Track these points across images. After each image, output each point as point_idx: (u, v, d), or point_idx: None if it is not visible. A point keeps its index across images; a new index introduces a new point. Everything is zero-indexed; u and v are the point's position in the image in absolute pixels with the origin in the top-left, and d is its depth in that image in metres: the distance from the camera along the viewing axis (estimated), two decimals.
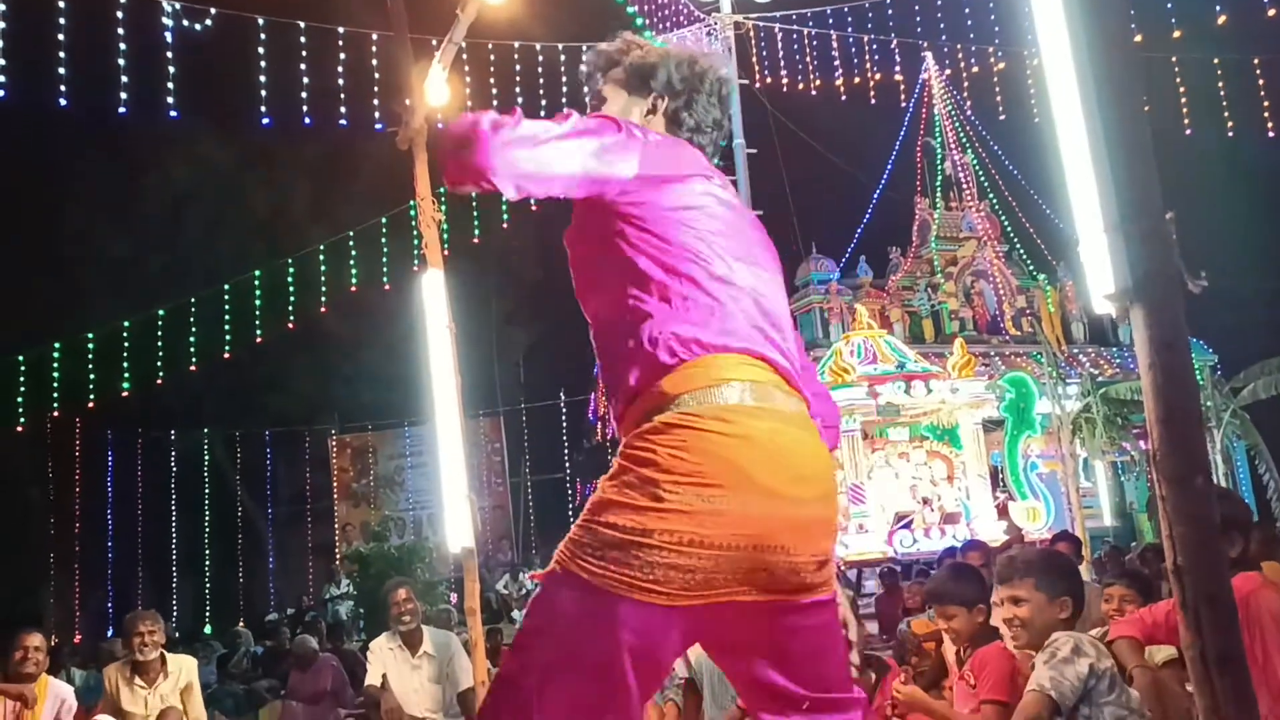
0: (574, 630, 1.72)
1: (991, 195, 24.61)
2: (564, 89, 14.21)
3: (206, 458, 24.43)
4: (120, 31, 10.25)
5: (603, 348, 1.96)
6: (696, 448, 1.74)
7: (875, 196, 24.13)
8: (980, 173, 24.54)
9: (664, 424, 1.77)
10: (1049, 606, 3.15)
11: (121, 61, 10.41)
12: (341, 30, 11.55)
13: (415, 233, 10.85)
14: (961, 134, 24.63)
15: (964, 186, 24.84)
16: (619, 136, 1.90)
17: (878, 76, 18.31)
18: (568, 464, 24.62)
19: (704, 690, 5.45)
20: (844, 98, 18.14)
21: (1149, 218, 1.58)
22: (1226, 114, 18.85)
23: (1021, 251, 24.68)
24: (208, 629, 22.44)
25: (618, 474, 1.79)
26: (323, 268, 15.11)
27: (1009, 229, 24.69)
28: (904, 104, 22.95)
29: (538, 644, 1.77)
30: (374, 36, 12.61)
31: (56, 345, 14.78)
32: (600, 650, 1.72)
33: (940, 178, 24.86)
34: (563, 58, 14.11)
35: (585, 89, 2.29)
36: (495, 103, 13.47)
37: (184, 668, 5.94)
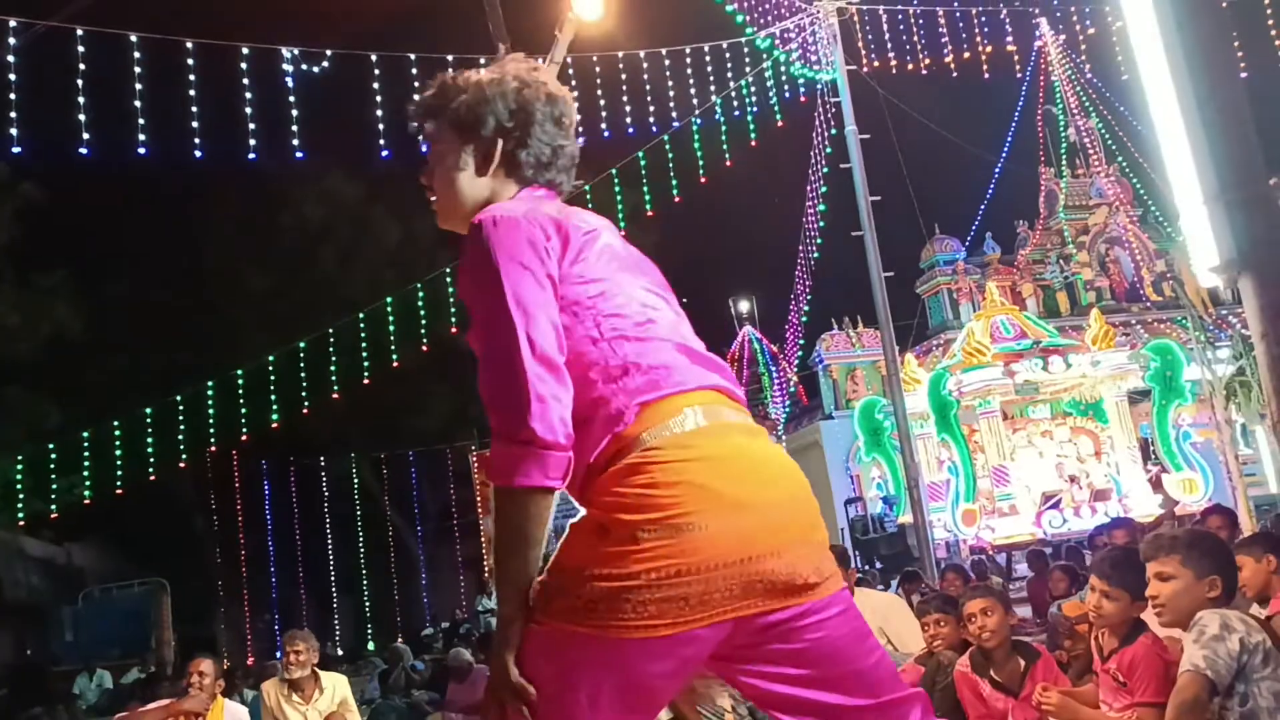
0: (565, 679, 1.75)
1: (1120, 158, 23.74)
2: (670, 92, 14.29)
3: (355, 481, 25.33)
4: (245, 82, 10.78)
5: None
6: (662, 481, 1.75)
7: (997, 171, 23.56)
8: (1106, 136, 23.69)
9: (627, 466, 1.78)
10: (1196, 585, 3.03)
11: (248, 110, 10.94)
12: (450, 59, 11.85)
13: None
14: (1084, 98, 23.82)
15: (1090, 151, 24.02)
16: (527, 282, 1.82)
17: (989, 49, 17.81)
18: None
19: None
20: (955, 74, 17.72)
21: (1251, 185, 1.55)
22: None
23: (1157, 213, 23.68)
24: (370, 645, 23.23)
25: (589, 526, 1.79)
26: (450, 290, 15.51)
27: (1141, 191, 23.75)
28: (1019, 74, 22.28)
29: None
30: (481, 61, 12.90)
31: (209, 383, 15.53)
32: (599, 693, 1.75)
33: (1064, 145, 24.11)
34: (667, 62, 14.18)
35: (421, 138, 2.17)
36: (604, 114, 13.62)
37: (337, 685, 6.16)
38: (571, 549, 1.80)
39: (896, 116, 16.39)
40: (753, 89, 15.20)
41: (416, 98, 2.14)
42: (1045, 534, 15.19)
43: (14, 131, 10.17)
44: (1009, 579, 13.73)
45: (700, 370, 1.92)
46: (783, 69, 15.38)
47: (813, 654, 1.82)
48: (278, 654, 21.34)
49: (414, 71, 12.00)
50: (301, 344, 15.10)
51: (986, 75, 18.40)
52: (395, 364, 15.67)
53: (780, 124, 15.87)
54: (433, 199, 2.12)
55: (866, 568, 16.08)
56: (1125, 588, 3.61)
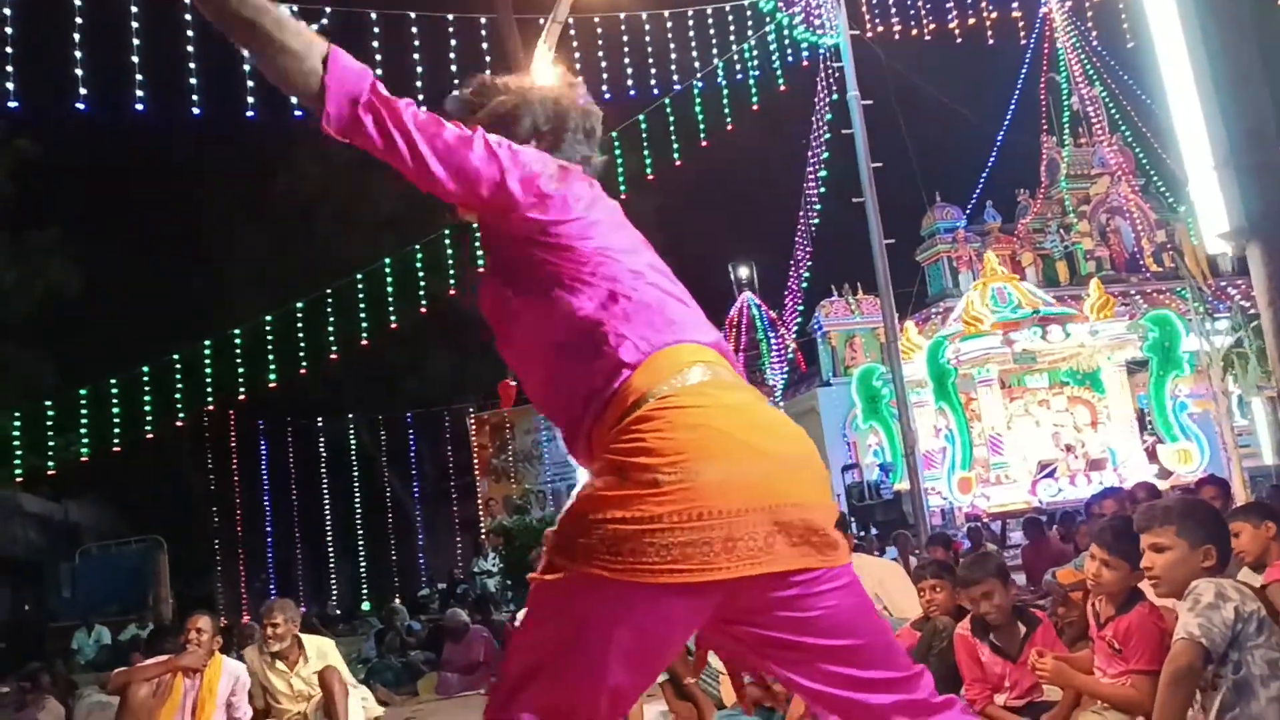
0: (586, 629, 1.75)
1: (1124, 127, 23.62)
2: (673, 57, 14.16)
3: (353, 442, 25.36)
4: None
5: (549, 377, 1.98)
6: (682, 423, 1.77)
7: (999, 139, 23.43)
8: (1110, 105, 23.56)
9: (644, 414, 1.80)
10: (1191, 555, 3.04)
11: (247, 68, 10.80)
12: (451, 17, 11.73)
13: None
14: (1088, 66, 23.65)
15: (1093, 121, 23.91)
16: (485, 143, 1.93)
17: (994, 15, 17.65)
18: None
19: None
20: (959, 41, 17.56)
21: (1262, 150, 1.53)
22: None
23: (1159, 183, 23.57)
24: (366, 605, 23.37)
25: (609, 471, 1.80)
26: (449, 251, 15.45)
27: (1144, 161, 23.65)
28: (1024, 41, 22.10)
29: (543, 642, 1.80)
30: (483, 21, 12.79)
31: (207, 343, 15.48)
32: (611, 641, 1.75)
33: (1067, 114, 23.99)
34: (669, 24, 14.05)
35: None
36: (605, 76, 13.51)
37: (320, 649, 6.16)
38: (589, 496, 1.81)
39: (899, 83, 16.28)
40: (755, 52, 15.07)
41: (454, 94, 2.23)
42: (1040, 502, 15.24)
43: (10, 86, 10.07)
44: (1004, 547, 13.80)
45: (706, 327, 1.98)
46: (785, 33, 15.24)
47: (823, 624, 1.82)
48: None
49: (414, 30, 11.89)
50: (299, 304, 15.06)
51: (990, 42, 18.26)
52: (394, 325, 15.63)
53: (782, 89, 15.75)
54: None
55: (863, 534, 16.18)
56: (1125, 557, 3.62)
